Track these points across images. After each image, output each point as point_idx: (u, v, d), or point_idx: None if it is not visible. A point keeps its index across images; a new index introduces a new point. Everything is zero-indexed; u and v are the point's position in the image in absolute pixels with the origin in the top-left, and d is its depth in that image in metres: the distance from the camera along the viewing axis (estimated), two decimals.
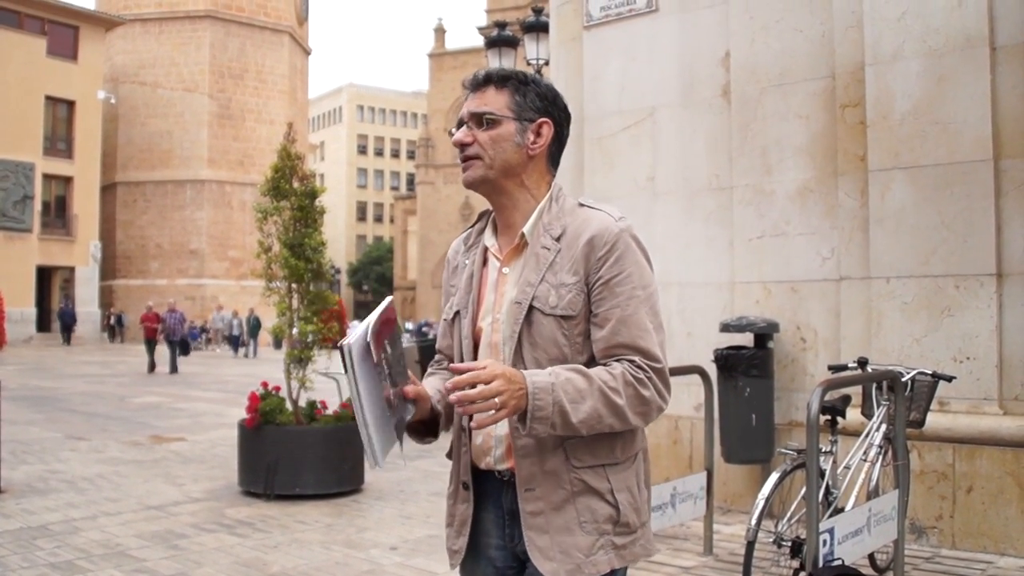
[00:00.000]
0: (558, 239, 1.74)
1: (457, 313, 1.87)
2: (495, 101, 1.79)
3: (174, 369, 20.66)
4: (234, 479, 6.97)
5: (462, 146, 1.79)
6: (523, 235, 1.78)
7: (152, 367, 20.81)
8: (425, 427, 1.83)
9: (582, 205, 1.79)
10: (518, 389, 1.58)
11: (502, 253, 1.84)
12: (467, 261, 1.89)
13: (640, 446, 1.81)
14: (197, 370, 22.12)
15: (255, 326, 30.60)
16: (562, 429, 1.62)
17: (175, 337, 21.33)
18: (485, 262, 1.86)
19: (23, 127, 33.58)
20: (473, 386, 1.55)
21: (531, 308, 1.72)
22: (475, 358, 1.79)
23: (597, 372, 1.66)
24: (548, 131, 1.80)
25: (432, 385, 1.86)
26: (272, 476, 6.41)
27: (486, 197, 1.85)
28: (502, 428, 1.74)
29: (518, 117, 1.77)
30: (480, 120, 1.78)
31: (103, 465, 8.01)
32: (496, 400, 1.56)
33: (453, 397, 1.55)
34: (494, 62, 13.17)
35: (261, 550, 5.13)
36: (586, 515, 1.70)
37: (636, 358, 1.68)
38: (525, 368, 1.69)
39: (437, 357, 2.01)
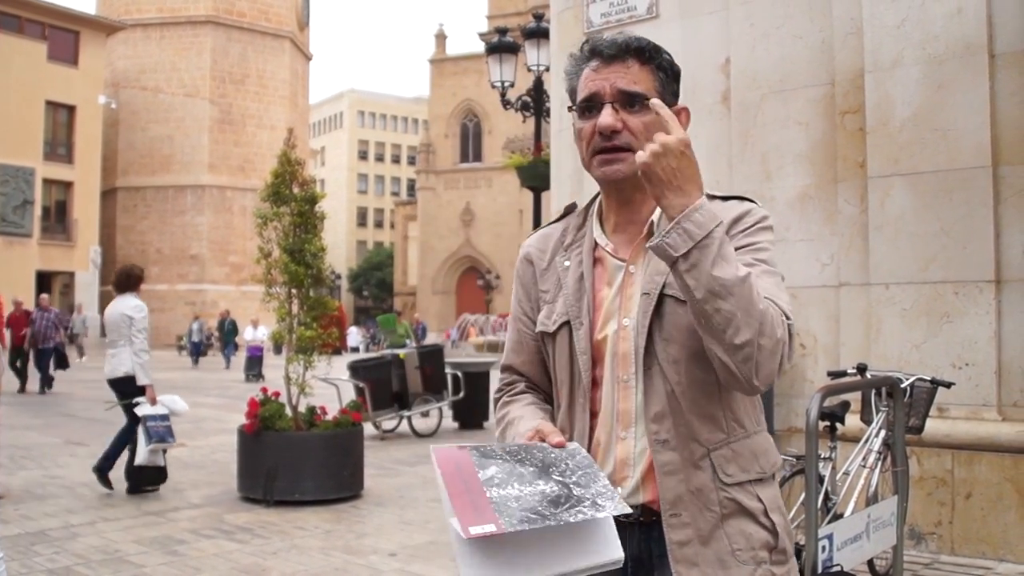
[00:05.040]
0: None
1: (565, 324, 1.53)
2: (644, 79, 1.49)
3: (45, 386, 16.00)
4: (233, 485, 6.96)
5: (611, 133, 1.46)
6: (652, 224, 1.49)
7: (23, 384, 15.97)
8: None
9: (712, 197, 1.49)
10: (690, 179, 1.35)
11: (621, 251, 1.53)
12: (566, 262, 1.56)
13: (778, 461, 1.55)
14: (205, 374, 22.07)
15: (230, 331, 26.00)
16: (688, 267, 1.30)
17: (46, 344, 15.92)
18: (594, 263, 1.55)
19: (23, 132, 33.58)
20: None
21: (663, 296, 1.44)
22: (595, 375, 1.51)
23: None
24: (686, 122, 1.52)
25: (532, 421, 1.52)
26: (271, 482, 6.41)
27: (616, 194, 1.54)
28: (640, 446, 1.46)
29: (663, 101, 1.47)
30: (630, 101, 1.46)
31: None
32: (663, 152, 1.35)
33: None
34: (495, 68, 13.13)
35: (260, 556, 5.12)
36: (740, 542, 1.42)
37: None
38: (651, 378, 1.45)
39: (510, 379, 1.67)
